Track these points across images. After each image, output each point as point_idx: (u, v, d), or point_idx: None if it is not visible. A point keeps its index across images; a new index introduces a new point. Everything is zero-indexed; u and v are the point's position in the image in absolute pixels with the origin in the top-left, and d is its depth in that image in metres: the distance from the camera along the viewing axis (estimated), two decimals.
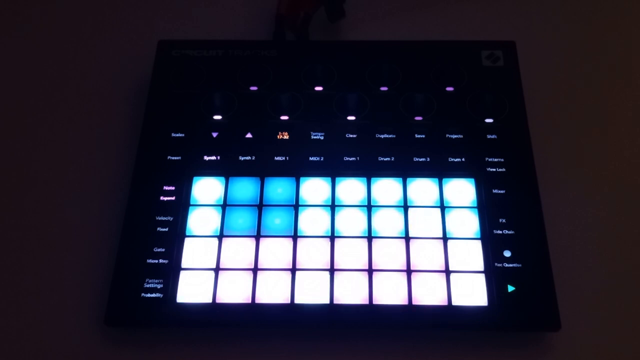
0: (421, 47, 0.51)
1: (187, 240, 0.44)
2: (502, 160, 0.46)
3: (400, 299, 0.41)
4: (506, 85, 0.49)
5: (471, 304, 0.41)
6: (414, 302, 0.41)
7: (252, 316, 0.41)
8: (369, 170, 0.46)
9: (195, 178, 0.46)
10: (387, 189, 0.45)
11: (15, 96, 0.53)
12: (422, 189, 0.45)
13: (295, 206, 0.45)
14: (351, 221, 0.44)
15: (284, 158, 0.47)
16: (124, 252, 0.43)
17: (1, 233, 0.47)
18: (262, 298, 0.41)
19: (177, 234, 0.44)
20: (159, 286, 0.42)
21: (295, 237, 0.44)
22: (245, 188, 0.45)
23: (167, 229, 0.44)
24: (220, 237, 0.44)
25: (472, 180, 0.46)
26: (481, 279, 0.42)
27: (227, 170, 0.46)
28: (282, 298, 0.41)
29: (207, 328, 0.43)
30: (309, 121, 0.48)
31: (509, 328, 0.42)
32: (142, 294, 0.42)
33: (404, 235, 0.44)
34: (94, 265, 0.45)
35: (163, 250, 0.43)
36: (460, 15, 0.57)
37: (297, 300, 0.41)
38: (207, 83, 0.50)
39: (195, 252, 0.43)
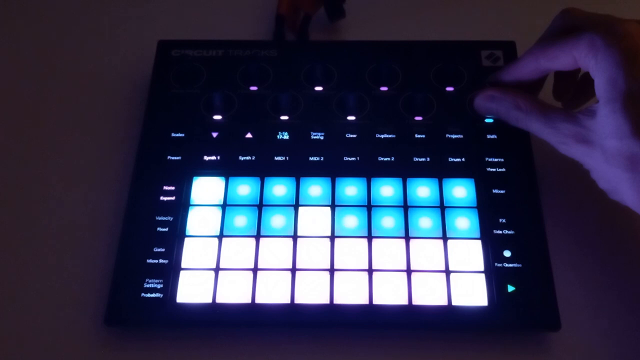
0: (421, 47, 0.51)
1: (187, 240, 0.44)
2: (502, 160, 0.46)
3: (400, 299, 0.41)
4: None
5: (471, 304, 0.41)
6: (414, 302, 0.41)
7: (252, 316, 0.41)
8: (369, 170, 0.46)
9: (195, 178, 0.46)
10: (387, 189, 0.45)
11: (14, 96, 0.53)
12: (422, 188, 0.45)
13: (295, 206, 0.45)
14: (351, 221, 0.44)
15: (284, 158, 0.47)
16: (123, 252, 0.43)
17: (0, 233, 0.47)
18: (262, 298, 0.41)
19: (177, 234, 0.44)
20: (159, 286, 0.42)
21: (295, 237, 0.44)
22: (245, 188, 0.45)
23: (167, 229, 0.44)
24: (220, 237, 0.44)
25: (472, 180, 0.46)
26: (481, 279, 0.42)
27: (227, 170, 0.46)
28: (282, 298, 0.41)
29: (207, 328, 0.43)
30: (309, 121, 0.48)
31: (509, 328, 0.42)
32: (142, 294, 0.42)
33: (404, 235, 0.44)
34: (94, 265, 0.45)
35: (163, 250, 0.43)
36: (460, 15, 0.57)
37: (297, 300, 0.41)
38: (207, 83, 0.50)
39: (195, 252, 0.43)
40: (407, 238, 0.43)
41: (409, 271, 0.42)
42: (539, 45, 0.43)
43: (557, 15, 0.44)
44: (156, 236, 0.44)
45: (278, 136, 0.47)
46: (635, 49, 0.38)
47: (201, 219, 0.44)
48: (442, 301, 0.41)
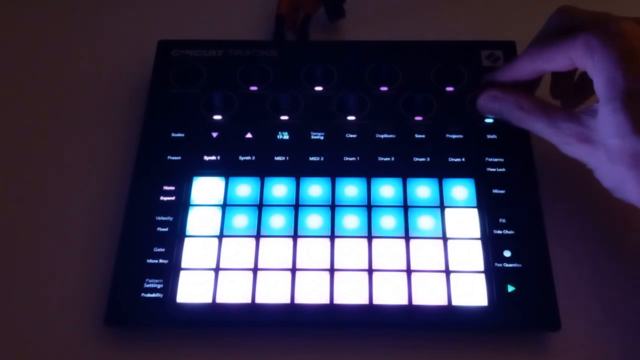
0: (421, 47, 0.51)
1: (187, 240, 0.44)
2: (502, 160, 0.46)
3: (400, 299, 0.41)
4: None
5: (471, 304, 0.41)
6: (414, 302, 0.41)
7: (252, 316, 0.41)
8: (369, 170, 0.46)
9: (195, 178, 0.46)
10: (387, 189, 0.45)
11: (14, 96, 0.53)
12: (422, 188, 0.45)
13: (295, 206, 0.45)
14: (351, 221, 0.44)
15: (284, 158, 0.47)
16: (123, 252, 0.43)
17: (0, 233, 0.47)
18: (262, 298, 0.41)
19: (177, 234, 0.44)
20: (158, 286, 0.42)
21: (295, 237, 0.44)
22: (245, 188, 0.45)
23: (167, 229, 0.44)
24: (220, 237, 0.44)
25: (472, 180, 0.46)
26: (481, 279, 0.42)
27: (227, 170, 0.46)
28: (282, 298, 0.41)
29: (207, 328, 0.43)
30: (309, 121, 0.48)
31: (509, 328, 0.42)
32: (142, 294, 0.42)
33: (403, 235, 0.44)
34: (94, 265, 0.45)
35: (163, 250, 0.43)
36: (460, 15, 0.57)
37: (297, 300, 0.41)
38: (207, 83, 0.50)
39: (195, 252, 0.43)
40: (407, 238, 0.43)
41: (409, 271, 0.42)
42: (535, 46, 0.43)
43: (553, 14, 0.44)
44: (156, 236, 0.44)
45: (278, 136, 0.47)
46: (631, 47, 0.38)
47: (201, 219, 0.44)
48: (442, 301, 0.41)
